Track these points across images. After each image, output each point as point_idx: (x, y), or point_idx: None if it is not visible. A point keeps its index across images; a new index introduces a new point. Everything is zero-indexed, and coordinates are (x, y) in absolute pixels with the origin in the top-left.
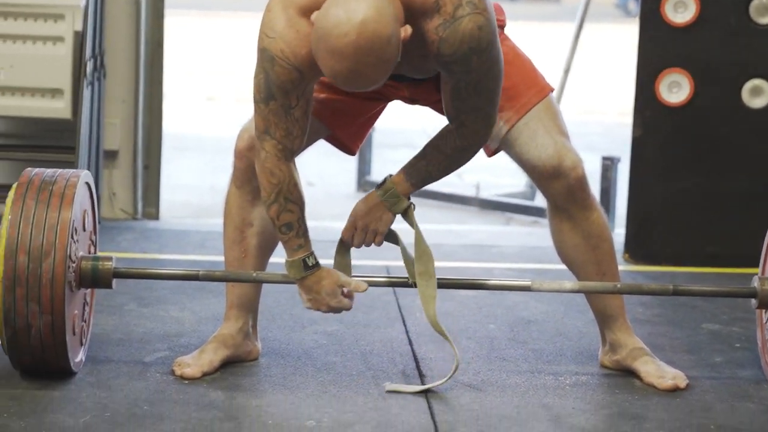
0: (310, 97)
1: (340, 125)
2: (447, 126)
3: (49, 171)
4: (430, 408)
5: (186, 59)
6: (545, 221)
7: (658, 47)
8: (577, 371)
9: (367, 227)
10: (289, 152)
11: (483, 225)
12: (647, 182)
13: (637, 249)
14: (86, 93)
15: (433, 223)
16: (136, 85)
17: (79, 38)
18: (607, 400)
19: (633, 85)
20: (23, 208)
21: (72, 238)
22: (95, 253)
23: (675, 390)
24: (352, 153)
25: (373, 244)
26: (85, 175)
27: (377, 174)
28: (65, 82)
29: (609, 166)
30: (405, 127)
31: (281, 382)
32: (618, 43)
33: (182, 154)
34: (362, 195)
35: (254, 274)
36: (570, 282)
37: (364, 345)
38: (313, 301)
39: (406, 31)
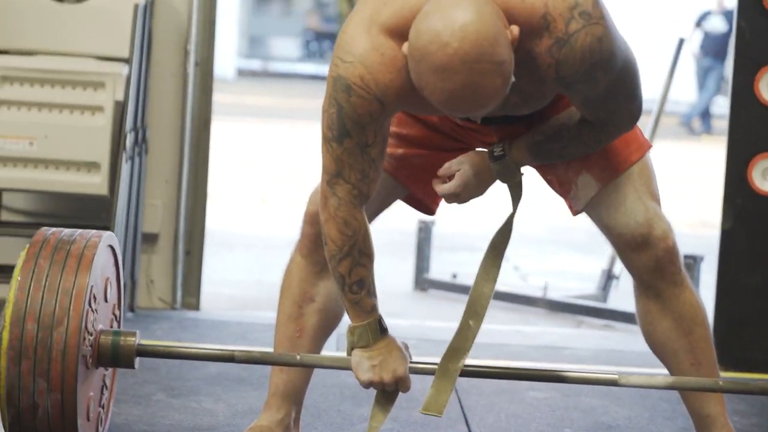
0: (387, 135)
1: (420, 182)
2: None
3: (68, 230)
4: None
5: (242, 164)
6: (620, 325)
7: (751, 129)
8: None
9: (468, 196)
10: (365, 198)
11: (552, 327)
12: (738, 279)
13: (726, 355)
14: (125, 168)
15: (497, 323)
16: (180, 164)
17: (120, 109)
18: None
19: (723, 172)
20: (35, 270)
21: (89, 305)
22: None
23: None
24: (431, 212)
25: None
26: (108, 237)
27: (435, 273)
28: (103, 156)
29: (691, 265)
30: (466, 230)
31: None
32: (682, 160)
33: (230, 251)
34: (420, 294)
35: (298, 357)
36: (662, 376)
37: None
38: (379, 367)
39: (513, 32)
